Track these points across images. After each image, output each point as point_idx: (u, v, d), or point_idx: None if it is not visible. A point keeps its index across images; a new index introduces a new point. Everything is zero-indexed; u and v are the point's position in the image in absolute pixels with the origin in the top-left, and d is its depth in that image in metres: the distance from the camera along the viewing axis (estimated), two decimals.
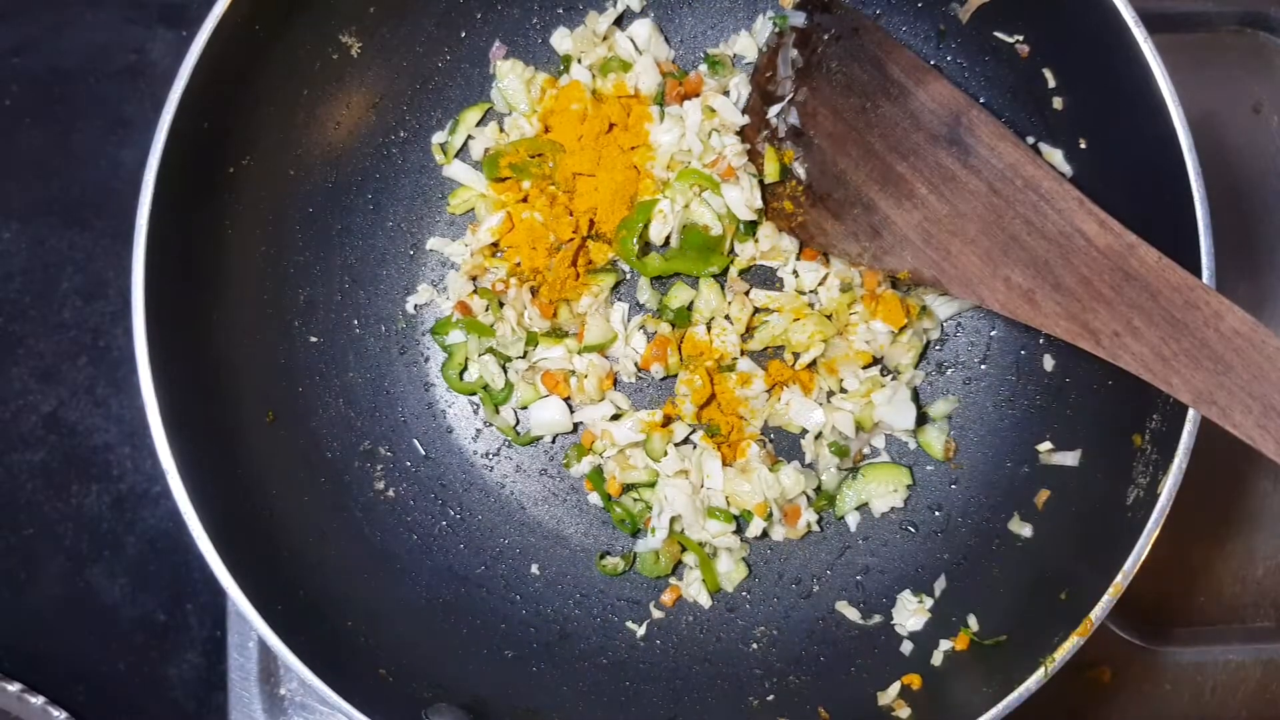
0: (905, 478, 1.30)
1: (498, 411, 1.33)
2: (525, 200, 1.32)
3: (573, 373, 1.31)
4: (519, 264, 1.30)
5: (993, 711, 1.02)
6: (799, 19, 1.28)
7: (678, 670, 1.26)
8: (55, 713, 1.35)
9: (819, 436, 1.31)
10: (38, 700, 1.35)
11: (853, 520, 1.31)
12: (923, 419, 1.31)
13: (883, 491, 1.30)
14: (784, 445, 1.33)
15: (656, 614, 1.29)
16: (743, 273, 1.33)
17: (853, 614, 1.26)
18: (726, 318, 1.32)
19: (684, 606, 1.30)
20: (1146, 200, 1.09)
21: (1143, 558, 1.01)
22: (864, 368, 1.30)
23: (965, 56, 1.28)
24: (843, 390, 1.31)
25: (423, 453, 1.33)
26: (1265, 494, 1.46)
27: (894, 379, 1.31)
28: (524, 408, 1.33)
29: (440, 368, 1.34)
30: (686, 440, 1.31)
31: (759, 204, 1.28)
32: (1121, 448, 1.10)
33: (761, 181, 1.29)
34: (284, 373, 1.25)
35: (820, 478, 1.31)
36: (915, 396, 1.31)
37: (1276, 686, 1.41)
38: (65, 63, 1.52)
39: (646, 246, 1.31)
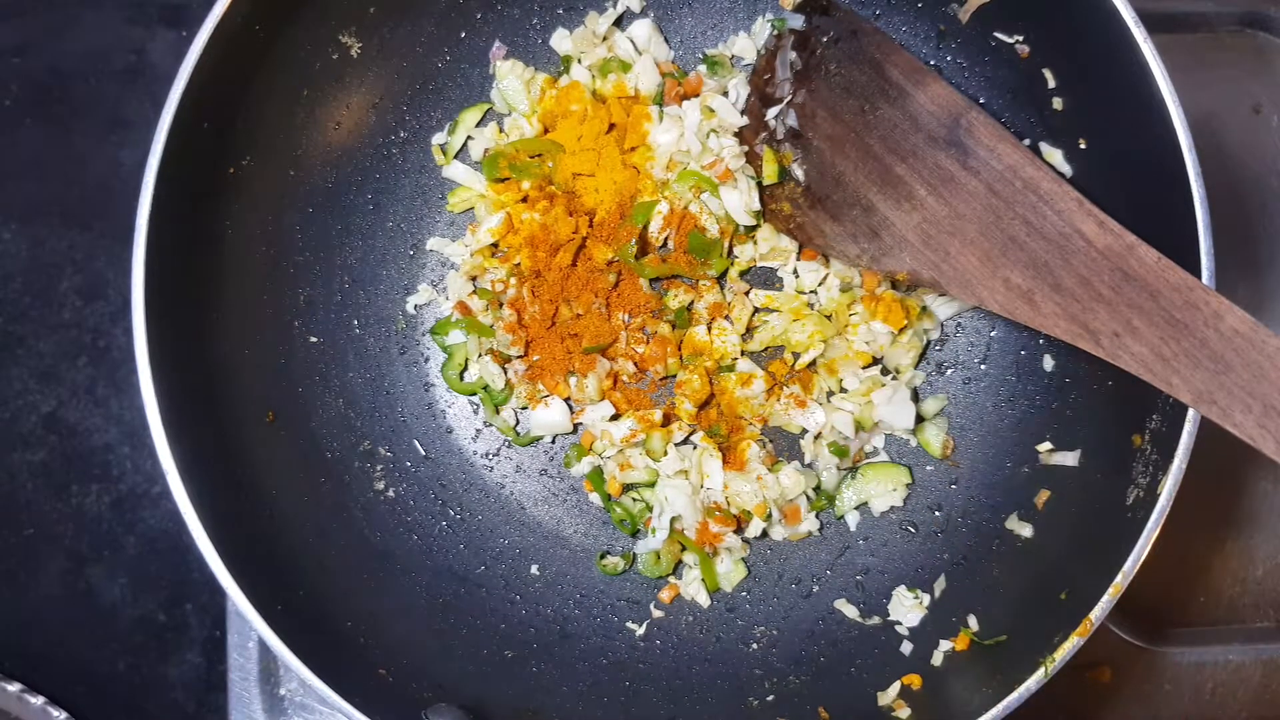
0: (905, 477, 1.30)
1: (498, 412, 1.33)
2: (525, 200, 1.32)
3: (573, 373, 1.30)
4: (519, 264, 1.30)
5: (993, 711, 1.02)
6: (798, 21, 1.28)
7: (678, 670, 1.26)
8: (55, 713, 1.35)
9: (819, 436, 1.31)
10: (38, 700, 1.35)
11: (853, 520, 1.31)
12: (920, 418, 1.31)
13: (882, 491, 1.30)
14: (784, 445, 1.33)
15: (656, 614, 1.29)
16: (743, 273, 1.33)
17: (853, 614, 1.26)
18: (726, 318, 1.32)
19: (684, 606, 1.30)
20: (1146, 200, 1.09)
21: (1143, 558, 1.01)
22: (864, 368, 1.31)
23: (965, 57, 1.28)
24: (843, 390, 1.31)
25: (423, 453, 1.33)
26: (1265, 494, 1.46)
27: (894, 379, 1.31)
28: (524, 408, 1.34)
29: (440, 368, 1.34)
30: (686, 440, 1.31)
31: (757, 206, 1.28)
32: (1121, 448, 1.10)
33: (760, 183, 1.29)
34: (284, 373, 1.25)
35: (820, 477, 1.31)
36: (915, 396, 1.31)
37: (1277, 686, 1.41)
38: (65, 63, 1.52)
39: (645, 247, 1.31)
